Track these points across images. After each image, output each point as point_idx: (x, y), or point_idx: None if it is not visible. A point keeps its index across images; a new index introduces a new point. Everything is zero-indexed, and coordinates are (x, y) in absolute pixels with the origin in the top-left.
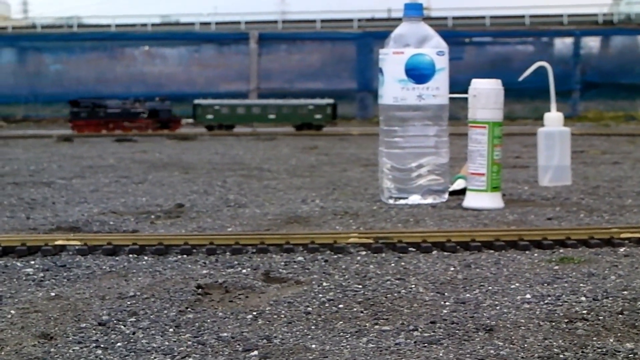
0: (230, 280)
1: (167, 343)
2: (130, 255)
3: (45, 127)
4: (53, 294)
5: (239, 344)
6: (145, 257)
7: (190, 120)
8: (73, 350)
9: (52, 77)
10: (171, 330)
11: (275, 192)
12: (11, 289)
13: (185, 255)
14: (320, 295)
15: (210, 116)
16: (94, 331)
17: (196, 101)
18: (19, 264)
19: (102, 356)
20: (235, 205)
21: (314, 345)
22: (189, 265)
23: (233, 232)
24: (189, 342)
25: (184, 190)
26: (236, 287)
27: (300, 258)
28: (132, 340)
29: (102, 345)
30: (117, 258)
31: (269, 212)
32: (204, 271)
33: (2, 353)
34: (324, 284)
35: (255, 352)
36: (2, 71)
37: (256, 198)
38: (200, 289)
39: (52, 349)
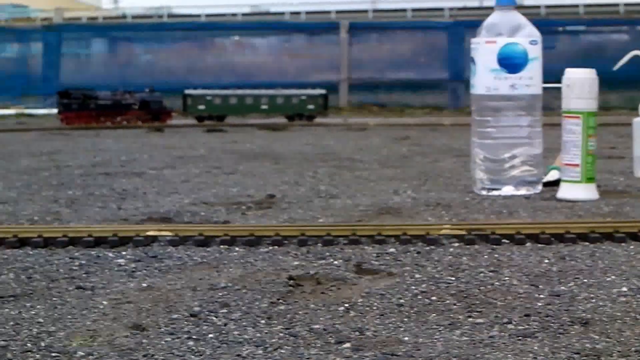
0: (321, 272)
1: (258, 335)
2: (222, 246)
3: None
4: (145, 284)
5: (331, 336)
6: (237, 248)
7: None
8: (165, 341)
9: (142, 67)
10: (263, 321)
11: (367, 183)
12: (103, 280)
13: (276, 247)
14: (413, 287)
15: (201, 107)
16: (185, 322)
17: (187, 91)
18: (110, 254)
19: (194, 347)
20: (326, 196)
21: (406, 338)
22: (280, 257)
23: (324, 223)
24: (281, 334)
25: (274, 181)
26: (328, 279)
27: (392, 249)
28: (223, 332)
29: (194, 337)
30: (208, 249)
31: (360, 203)
32: (296, 262)
33: (95, 344)
34: (417, 275)
35: (348, 344)
36: (93, 62)
37: (347, 189)
38: (291, 280)
39: (144, 340)
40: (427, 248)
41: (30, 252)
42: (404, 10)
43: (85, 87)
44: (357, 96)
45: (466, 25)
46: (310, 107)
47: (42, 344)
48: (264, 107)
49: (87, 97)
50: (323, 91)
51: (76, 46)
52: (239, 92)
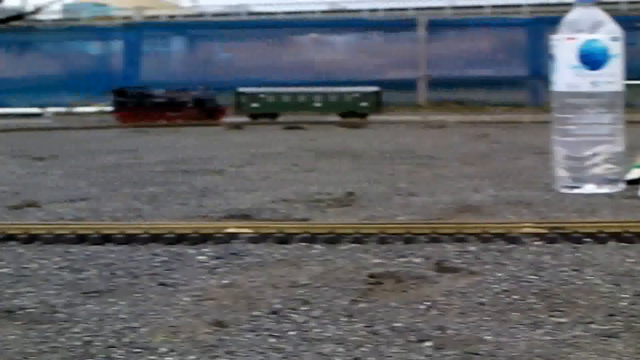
0: (402, 270)
1: (339, 332)
2: (302, 244)
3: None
4: (226, 281)
5: (412, 334)
6: (317, 246)
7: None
8: (246, 338)
9: (220, 65)
10: (344, 319)
11: (446, 181)
12: (185, 276)
13: (356, 244)
14: (494, 285)
15: (255, 105)
16: (266, 319)
17: (240, 89)
18: (191, 251)
19: (275, 345)
20: (405, 193)
21: (488, 337)
22: (361, 254)
23: (404, 221)
24: (362, 332)
25: (353, 178)
26: (408, 277)
27: (472, 248)
28: (304, 329)
29: (275, 334)
30: (288, 246)
31: (440, 200)
32: (376, 260)
33: (177, 340)
34: (498, 274)
35: (429, 343)
36: (172, 60)
37: (427, 186)
38: (372, 278)
39: (225, 337)
40: (508, 246)
41: (113, 249)
42: (483, 6)
43: (164, 84)
44: (436, 93)
45: (546, 22)
46: (364, 104)
47: (125, 339)
48: (317, 104)
49: (143, 95)
50: (376, 88)
51: (156, 44)
52: (292, 89)
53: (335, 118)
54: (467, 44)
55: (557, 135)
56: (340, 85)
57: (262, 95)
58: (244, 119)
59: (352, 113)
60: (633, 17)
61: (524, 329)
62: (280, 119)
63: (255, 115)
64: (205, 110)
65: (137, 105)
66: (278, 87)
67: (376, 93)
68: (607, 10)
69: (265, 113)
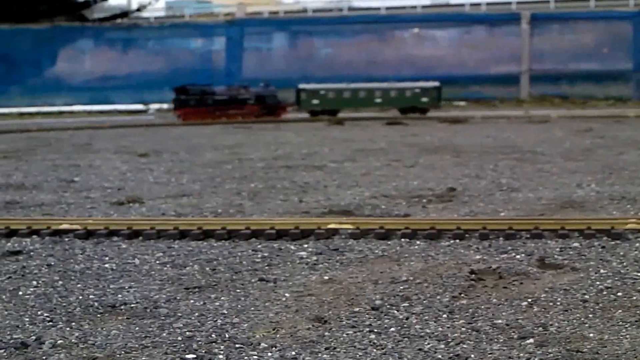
0: (504, 266)
1: (440, 329)
2: (403, 240)
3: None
4: (326, 277)
5: (514, 331)
6: (418, 242)
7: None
8: (347, 334)
9: (322, 60)
10: (445, 316)
11: (549, 176)
12: (285, 272)
13: (457, 240)
14: (598, 282)
15: (315, 101)
16: (367, 315)
17: (301, 86)
18: (292, 247)
19: (375, 341)
20: (507, 189)
21: (591, 334)
22: (462, 250)
23: (506, 217)
24: (463, 329)
25: (455, 174)
26: (510, 273)
27: (576, 244)
28: (405, 326)
29: (375, 330)
30: (389, 242)
31: (542, 196)
32: (477, 256)
33: (278, 336)
34: (601, 271)
35: (531, 340)
36: (274, 55)
37: (529, 182)
38: (473, 275)
39: (326, 333)
40: (612, 243)
41: (214, 244)
42: None
43: (266, 80)
44: (539, 88)
45: None
46: (424, 100)
47: (226, 335)
48: (378, 100)
49: (204, 93)
50: (437, 84)
51: (258, 40)
52: (352, 86)
53: (395, 113)
54: (570, 38)
55: None
56: (404, 81)
57: (323, 92)
58: (304, 115)
59: (412, 108)
60: None
61: (628, 327)
62: (345, 115)
63: (315, 112)
64: (266, 107)
65: (199, 103)
66: (338, 84)
67: (436, 88)
68: None
69: (326, 110)
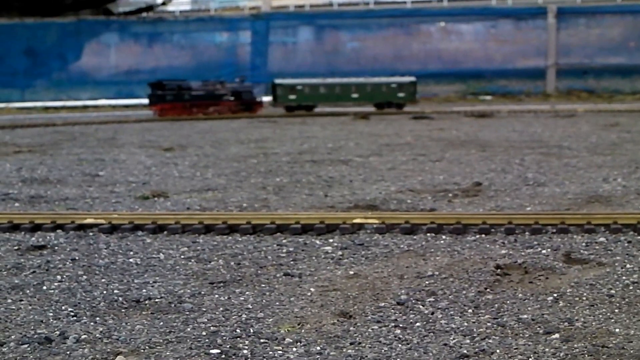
0: (529, 261)
1: (466, 324)
2: (428, 234)
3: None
4: (352, 272)
5: (539, 327)
6: (443, 237)
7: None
8: (372, 329)
9: (348, 54)
10: (470, 311)
11: (576, 171)
12: (311, 267)
13: (483, 235)
14: (624, 277)
15: (292, 96)
16: (392, 310)
17: (277, 81)
18: (317, 241)
19: (401, 336)
20: (534, 183)
21: (617, 330)
22: (488, 245)
23: (532, 212)
24: (489, 324)
25: (481, 169)
26: (536, 268)
27: (602, 239)
28: (430, 321)
29: (400, 325)
30: (414, 237)
31: (569, 191)
32: (503, 251)
33: (303, 331)
34: (628, 266)
35: (557, 335)
36: (301, 49)
37: (556, 176)
38: (499, 269)
39: (351, 328)
40: (639, 237)
41: (239, 239)
42: None
43: (292, 74)
44: (565, 82)
45: None
46: (401, 95)
47: (251, 330)
48: (355, 95)
49: (181, 88)
50: (413, 79)
51: (283, 34)
52: (329, 81)
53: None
54: (597, 32)
55: None
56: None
57: (300, 87)
58: (279, 110)
59: (388, 103)
60: None
61: None
62: (321, 110)
63: (291, 108)
64: (243, 103)
65: (175, 99)
66: (314, 79)
67: (412, 83)
68: None
69: (302, 105)
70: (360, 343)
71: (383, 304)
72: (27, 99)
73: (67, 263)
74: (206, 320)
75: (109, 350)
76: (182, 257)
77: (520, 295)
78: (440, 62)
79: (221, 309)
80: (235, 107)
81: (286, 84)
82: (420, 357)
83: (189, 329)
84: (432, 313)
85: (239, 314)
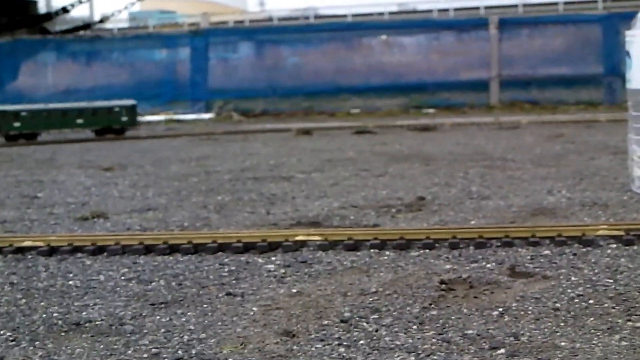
0: (474, 275)
1: (410, 341)
2: (372, 250)
3: (284, 121)
4: (295, 290)
5: (485, 342)
6: (387, 252)
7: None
8: (315, 348)
9: (289, 70)
10: (415, 327)
11: (520, 183)
12: (253, 286)
13: (427, 250)
14: (569, 290)
15: (17, 124)
16: (336, 328)
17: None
18: (260, 260)
19: (345, 354)
20: (478, 197)
21: (563, 343)
22: (432, 260)
23: (476, 225)
24: (434, 340)
25: (424, 183)
26: (481, 283)
27: (547, 252)
28: (375, 338)
29: (344, 343)
30: (358, 253)
31: (513, 203)
32: (447, 266)
33: (246, 351)
34: (573, 278)
35: (502, 350)
36: (240, 65)
37: (500, 189)
38: (443, 285)
39: (294, 347)
40: (584, 250)
41: (181, 259)
42: (556, 3)
43: (232, 91)
44: (509, 93)
45: (621, 17)
46: (124, 119)
47: (193, 351)
48: (79, 121)
49: None
50: (133, 102)
51: (223, 50)
52: (51, 106)
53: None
54: (540, 42)
55: (633, 134)
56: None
57: (24, 114)
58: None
59: (108, 129)
60: None
61: (600, 335)
62: (46, 137)
63: (13, 137)
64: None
65: None
66: (37, 105)
67: (132, 107)
68: None
69: (25, 133)
70: None
71: (327, 322)
72: None
73: (6, 287)
74: (148, 342)
75: None
76: (123, 278)
77: (465, 310)
78: (382, 76)
79: (163, 330)
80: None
81: (9, 110)
82: None
83: (130, 352)
84: (377, 330)
85: (181, 335)
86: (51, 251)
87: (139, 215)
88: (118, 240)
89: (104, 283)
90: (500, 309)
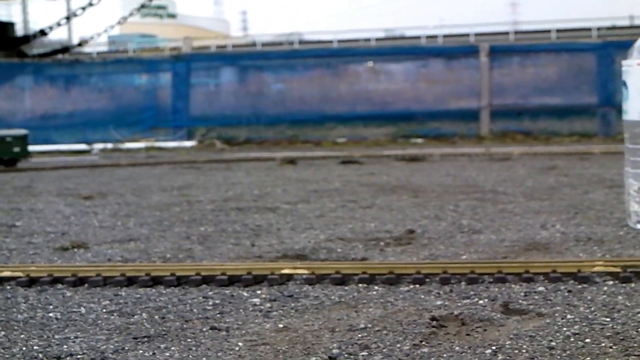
0: (466, 312)
1: None
2: (360, 285)
3: (269, 150)
4: (281, 325)
5: None
6: (376, 287)
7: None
8: None
9: (273, 97)
10: None
11: (512, 217)
12: (238, 320)
13: (417, 285)
14: (565, 328)
15: None
16: None
17: None
18: (245, 293)
19: None
20: (469, 230)
21: None
22: (422, 296)
23: (468, 260)
24: None
25: (414, 215)
26: (473, 320)
27: (541, 288)
28: None
29: None
30: (346, 288)
31: (505, 238)
32: (438, 302)
33: None
34: (568, 316)
35: None
36: (223, 91)
37: (491, 223)
38: (434, 321)
39: None
40: (579, 286)
41: (164, 291)
42: (548, 31)
43: (215, 118)
44: (500, 123)
45: (616, 46)
46: (16, 150)
47: None
48: None
49: None
50: (24, 131)
51: (205, 76)
52: None
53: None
54: (532, 71)
55: (630, 167)
56: None
57: None
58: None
59: (1, 161)
60: None
61: None
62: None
63: None
64: None
65: None
66: None
67: (24, 137)
68: None
69: None
70: None
71: (314, 358)
72: None
73: None
74: None
75: None
76: (104, 310)
77: (457, 348)
78: (369, 104)
79: None
80: None
81: None
82: None
83: None
84: None
85: None
86: (31, 282)
87: (120, 245)
88: (99, 272)
89: (85, 315)
90: (494, 347)
